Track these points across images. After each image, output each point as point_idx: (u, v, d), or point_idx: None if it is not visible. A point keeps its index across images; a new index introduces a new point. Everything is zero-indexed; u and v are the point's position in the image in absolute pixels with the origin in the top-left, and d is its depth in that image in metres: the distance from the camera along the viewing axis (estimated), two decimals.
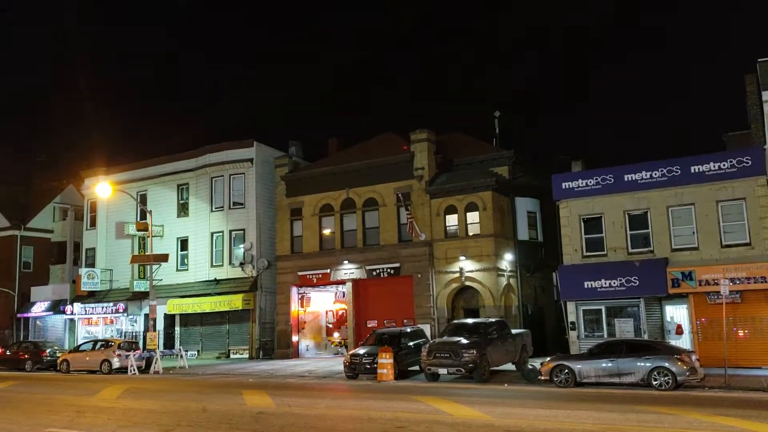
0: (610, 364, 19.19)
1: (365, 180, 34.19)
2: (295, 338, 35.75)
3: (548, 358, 21.26)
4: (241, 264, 37.21)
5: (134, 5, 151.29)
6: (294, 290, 36.18)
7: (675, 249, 25.69)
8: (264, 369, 28.32)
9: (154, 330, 31.62)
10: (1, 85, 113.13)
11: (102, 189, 33.24)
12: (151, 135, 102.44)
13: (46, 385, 22.89)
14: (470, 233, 30.96)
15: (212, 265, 38.47)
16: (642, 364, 18.73)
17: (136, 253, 40.58)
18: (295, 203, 36.32)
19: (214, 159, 38.97)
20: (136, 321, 41.28)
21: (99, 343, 30.99)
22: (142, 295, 39.35)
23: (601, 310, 26.72)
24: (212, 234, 38.74)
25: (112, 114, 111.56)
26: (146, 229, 36.63)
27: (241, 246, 37.58)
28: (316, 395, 18.02)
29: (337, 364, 26.97)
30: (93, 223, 44.40)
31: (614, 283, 25.69)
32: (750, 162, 24.61)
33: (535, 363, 23.56)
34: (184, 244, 40.15)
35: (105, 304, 41.62)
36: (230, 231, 38.15)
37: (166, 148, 78.39)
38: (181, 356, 30.96)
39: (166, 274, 39.31)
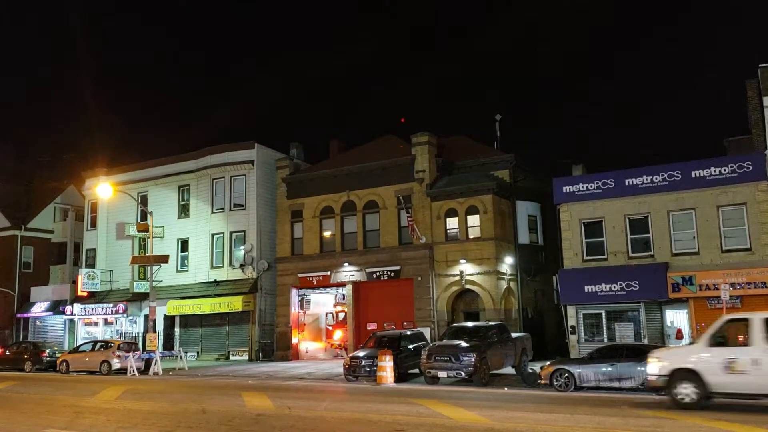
0: (610, 369, 19.16)
1: (366, 182, 34.20)
2: (294, 340, 35.72)
3: (548, 362, 21.26)
4: (242, 266, 37.20)
5: (135, 5, 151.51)
6: (294, 292, 36.16)
7: (675, 254, 25.70)
8: (263, 371, 28.31)
9: (154, 331, 31.60)
10: (2, 85, 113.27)
11: (103, 190, 33.23)
12: (153, 136, 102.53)
13: (45, 386, 22.87)
14: (471, 236, 30.96)
15: (212, 267, 38.47)
16: (642, 368, 18.59)
17: (136, 254, 40.58)
18: (296, 205, 36.32)
19: (215, 160, 39.01)
20: (135, 322, 41.28)
21: (98, 344, 30.96)
22: (142, 296, 39.35)
23: (601, 314, 26.72)
24: (212, 235, 38.75)
25: (113, 115, 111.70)
26: (147, 230, 36.66)
27: (242, 248, 37.57)
28: (315, 397, 17.98)
29: (337, 367, 26.95)
30: (93, 224, 44.43)
31: (614, 287, 25.68)
32: (751, 167, 24.64)
33: (535, 367, 23.55)
34: (184, 245, 40.17)
35: (105, 305, 41.61)
36: (231, 232, 38.15)
37: (168, 150, 78.51)
38: (181, 358, 30.94)
39: (166, 275, 39.29)
